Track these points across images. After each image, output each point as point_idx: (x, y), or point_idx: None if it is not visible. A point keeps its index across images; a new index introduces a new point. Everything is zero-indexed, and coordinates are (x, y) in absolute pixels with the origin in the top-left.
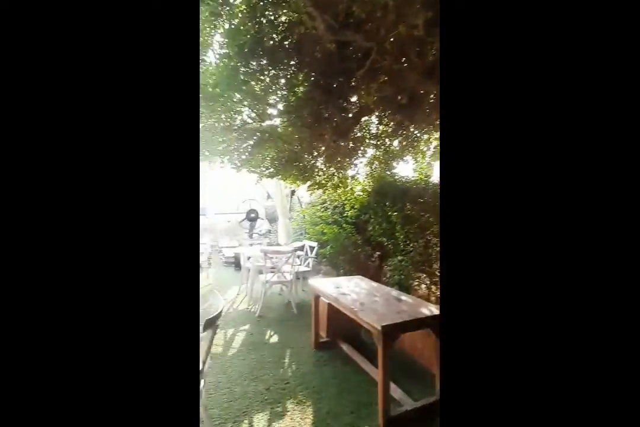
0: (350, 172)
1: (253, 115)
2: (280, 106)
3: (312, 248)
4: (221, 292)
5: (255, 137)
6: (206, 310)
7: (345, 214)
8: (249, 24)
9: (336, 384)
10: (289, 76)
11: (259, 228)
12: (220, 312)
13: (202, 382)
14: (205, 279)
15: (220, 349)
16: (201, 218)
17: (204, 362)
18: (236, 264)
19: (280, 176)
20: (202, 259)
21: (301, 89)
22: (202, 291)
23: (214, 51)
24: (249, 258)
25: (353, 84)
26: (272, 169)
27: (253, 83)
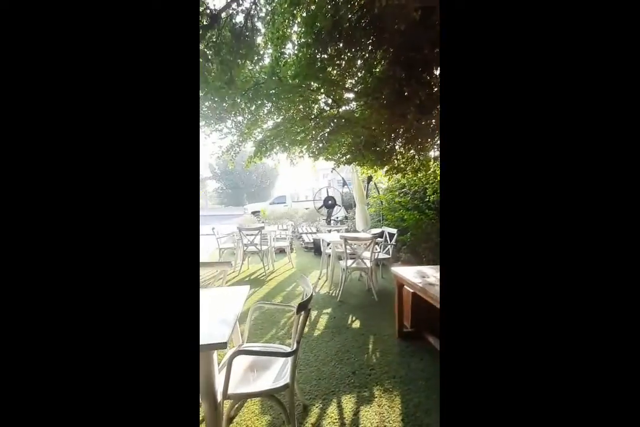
0: (432, 154)
1: (330, 101)
2: (358, 89)
3: (391, 235)
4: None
5: (332, 124)
6: (290, 291)
7: (426, 199)
8: (327, 6)
9: (425, 378)
10: (366, 56)
11: (336, 215)
12: (311, 296)
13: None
14: (287, 263)
15: (306, 329)
16: (281, 206)
17: (298, 342)
18: (315, 249)
19: (357, 162)
20: (285, 244)
21: (379, 68)
22: (286, 274)
23: (292, 42)
24: (328, 244)
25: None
26: (348, 156)
27: (330, 69)
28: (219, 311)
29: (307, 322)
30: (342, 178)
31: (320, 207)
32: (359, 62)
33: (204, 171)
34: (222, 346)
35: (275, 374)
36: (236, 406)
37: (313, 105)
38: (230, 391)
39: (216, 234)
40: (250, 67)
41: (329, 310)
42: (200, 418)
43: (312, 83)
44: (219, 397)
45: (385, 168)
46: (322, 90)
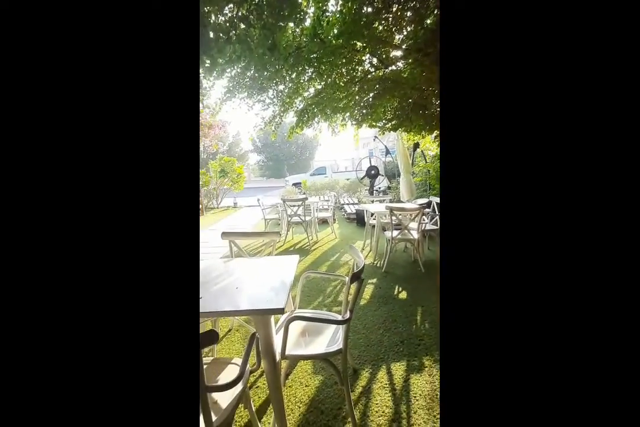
0: None
1: (375, 61)
2: (407, 45)
3: (439, 205)
4: (346, 246)
5: (377, 87)
6: (335, 261)
7: None
8: None
9: None
10: (417, 6)
11: (378, 185)
12: (364, 267)
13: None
14: (330, 233)
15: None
16: (321, 178)
17: (351, 311)
18: (358, 220)
19: (403, 128)
20: (327, 215)
21: (431, 19)
22: (329, 244)
23: None
24: (372, 215)
25: None
26: (394, 121)
27: (376, 24)
28: (272, 278)
29: (353, 291)
30: (385, 146)
31: (362, 178)
32: (408, 13)
33: (246, 145)
34: (280, 311)
35: (328, 339)
36: (290, 365)
37: (357, 67)
38: (287, 353)
39: (261, 205)
40: (291, 31)
41: (374, 280)
42: (261, 373)
43: (357, 42)
44: (278, 357)
45: (435, 133)
46: (367, 50)
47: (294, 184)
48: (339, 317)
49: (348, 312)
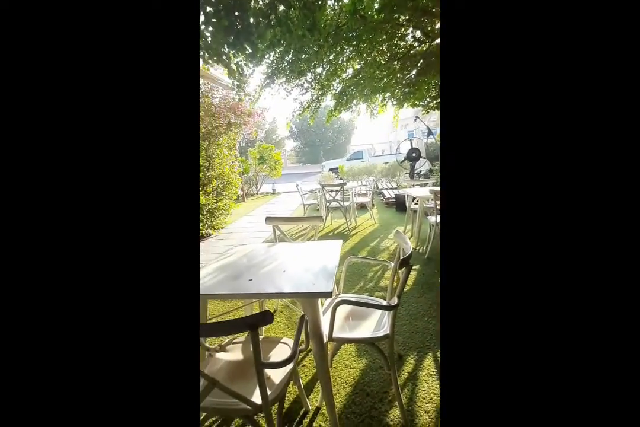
0: None
1: (419, 35)
2: None
3: None
4: (386, 232)
5: (420, 63)
6: (375, 246)
7: None
8: None
9: None
10: None
11: (419, 168)
12: (412, 253)
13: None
14: (369, 219)
15: (396, 283)
16: (358, 162)
17: (399, 297)
18: (397, 205)
19: None
20: (365, 200)
21: None
22: (368, 230)
23: None
24: (414, 199)
25: None
26: (439, 99)
27: None
28: (318, 263)
29: (395, 277)
30: (427, 127)
31: (402, 161)
32: None
33: (283, 131)
34: (328, 295)
35: (374, 324)
36: (336, 347)
37: (399, 42)
38: (333, 335)
39: (300, 191)
40: (330, 9)
41: (417, 266)
42: (306, 353)
43: (400, 16)
44: (325, 339)
45: None
46: (411, 23)
47: (331, 170)
48: (384, 303)
49: (395, 298)
